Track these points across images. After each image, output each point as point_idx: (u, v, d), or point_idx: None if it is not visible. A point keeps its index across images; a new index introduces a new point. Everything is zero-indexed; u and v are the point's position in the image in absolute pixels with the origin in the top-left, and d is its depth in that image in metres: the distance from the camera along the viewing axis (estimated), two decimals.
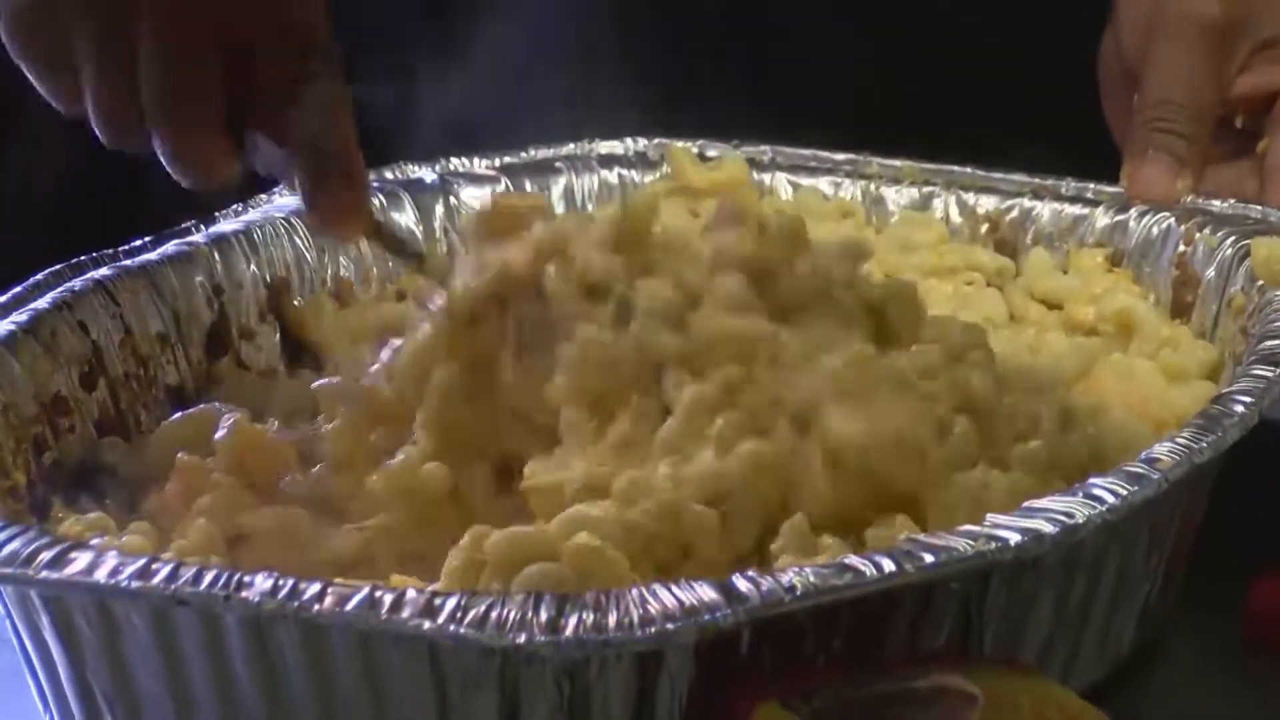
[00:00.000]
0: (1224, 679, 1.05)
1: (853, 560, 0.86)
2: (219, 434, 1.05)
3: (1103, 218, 1.29)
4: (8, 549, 0.87)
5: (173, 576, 0.84)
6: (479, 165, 1.35)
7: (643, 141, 1.39)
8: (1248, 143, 1.33)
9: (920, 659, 0.90)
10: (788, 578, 0.84)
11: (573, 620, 0.82)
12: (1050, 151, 1.32)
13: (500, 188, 1.34)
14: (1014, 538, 0.88)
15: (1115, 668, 1.02)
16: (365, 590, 0.83)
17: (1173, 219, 1.25)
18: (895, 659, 0.90)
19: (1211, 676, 1.05)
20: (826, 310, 1.02)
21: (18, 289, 1.09)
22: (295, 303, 1.22)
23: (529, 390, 1.00)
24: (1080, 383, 1.13)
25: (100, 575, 0.85)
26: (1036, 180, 1.32)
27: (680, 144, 1.39)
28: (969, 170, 1.34)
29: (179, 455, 1.04)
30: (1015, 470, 0.98)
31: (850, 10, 1.49)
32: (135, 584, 0.85)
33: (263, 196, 1.26)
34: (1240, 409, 0.99)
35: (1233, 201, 1.25)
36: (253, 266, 1.20)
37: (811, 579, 0.84)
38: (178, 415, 1.11)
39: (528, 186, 1.35)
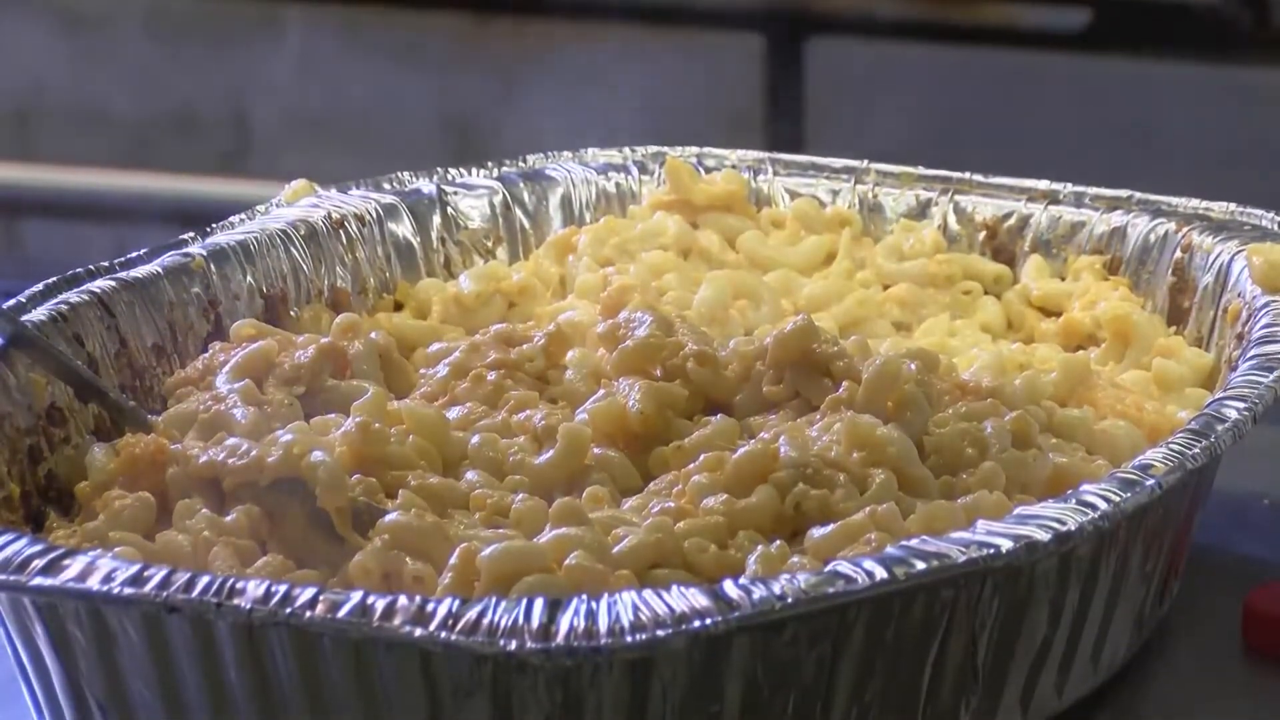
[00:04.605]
0: (1222, 685, 1.05)
1: (844, 568, 0.86)
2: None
3: (1100, 224, 1.28)
4: (1, 556, 0.87)
5: (165, 584, 0.85)
6: (476, 175, 1.34)
7: (640, 150, 1.38)
8: None
9: None
10: (778, 585, 0.84)
11: (564, 627, 0.82)
12: None
13: (498, 198, 1.34)
14: (1006, 544, 0.88)
15: (1112, 675, 1.02)
16: (357, 597, 0.83)
17: (1171, 225, 1.25)
18: None
19: (1210, 683, 1.05)
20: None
21: (12, 301, 1.09)
22: (293, 314, 1.21)
23: None
24: (1074, 394, 1.12)
25: (93, 582, 0.85)
26: (1034, 185, 1.31)
27: (678, 152, 1.37)
28: (966, 176, 1.33)
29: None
30: (975, 492, 0.98)
31: None
32: (128, 591, 0.85)
33: (260, 208, 1.26)
34: (1234, 415, 0.99)
35: (1231, 206, 1.25)
36: (249, 278, 1.19)
37: (802, 586, 0.84)
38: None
39: (525, 196, 1.34)
